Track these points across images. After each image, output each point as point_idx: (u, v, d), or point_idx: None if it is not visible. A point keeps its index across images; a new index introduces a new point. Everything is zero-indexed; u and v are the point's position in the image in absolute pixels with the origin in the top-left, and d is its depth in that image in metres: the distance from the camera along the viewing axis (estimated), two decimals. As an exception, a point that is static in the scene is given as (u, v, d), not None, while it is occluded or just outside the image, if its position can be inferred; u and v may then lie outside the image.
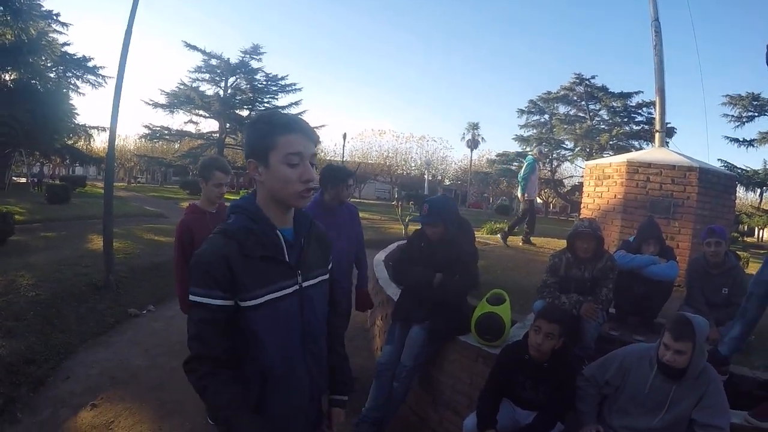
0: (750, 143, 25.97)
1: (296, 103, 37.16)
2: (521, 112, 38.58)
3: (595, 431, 2.43)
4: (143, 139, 38.99)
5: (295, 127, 1.28)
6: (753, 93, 25.62)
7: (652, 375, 2.34)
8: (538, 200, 53.74)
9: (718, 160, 23.27)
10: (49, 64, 22.34)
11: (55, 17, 24.14)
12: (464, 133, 50.63)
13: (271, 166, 1.26)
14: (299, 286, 1.38)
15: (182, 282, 3.05)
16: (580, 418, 2.53)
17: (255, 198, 1.35)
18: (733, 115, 26.44)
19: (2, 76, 19.15)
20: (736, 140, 26.12)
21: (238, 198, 1.40)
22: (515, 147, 39.74)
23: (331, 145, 44.31)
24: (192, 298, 1.25)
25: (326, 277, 1.51)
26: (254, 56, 36.27)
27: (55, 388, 3.67)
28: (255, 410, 1.29)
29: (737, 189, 22.44)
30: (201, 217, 3.13)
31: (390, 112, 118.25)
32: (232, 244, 1.26)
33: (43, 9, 22.57)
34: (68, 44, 26.07)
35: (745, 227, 27.23)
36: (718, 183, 5.63)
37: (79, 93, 26.77)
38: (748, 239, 27.86)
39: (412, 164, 45.28)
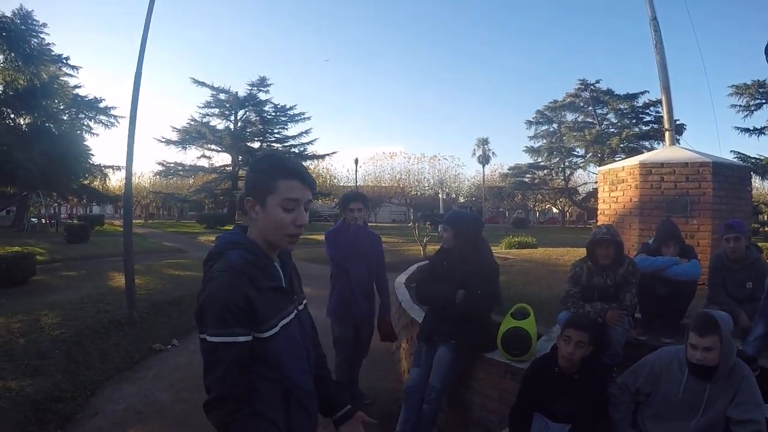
0: (761, 131, 25.71)
1: (306, 132, 37.90)
2: (529, 123, 38.86)
3: None
4: (158, 176, 39.81)
5: (295, 174, 1.34)
6: (759, 81, 25.41)
7: (684, 378, 2.31)
8: (554, 210, 53.46)
9: (731, 151, 23.06)
10: (61, 107, 22.97)
11: (65, 61, 24.96)
12: (475, 149, 51.08)
13: (268, 208, 1.32)
14: (297, 310, 1.46)
15: None
16: (615, 426, 2.49)
17: (245, 232, 1.40)
18: (741, 105, 26.23)
19: (17, 120, 19.73)
20: (747, 130, 25.88)
21: (224, 234, 1.44)
22: (526, 159, 39.94)
23: (343, 171, 44.80)
24: (213, 339, 1.24)
25: (305, 301, 1.59)
26: (261, 88, 37.06)
27: (83, 425, 3.69)
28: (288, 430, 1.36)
29: (753, 179, 22.23)
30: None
31: (400, 134, 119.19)
32: (244, 279, 1.28)
33: (54, 53, 23.35)
34: (79, 86, 26.91)
35: (765, 217, 26.72)
36: (733, 175, 5.56)
37: (93, 133, 27.42)
38: (769, 229, 27.30)
39: (426, 184, 45.51)
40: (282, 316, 1.37)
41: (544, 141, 38.39)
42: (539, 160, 38.75)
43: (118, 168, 28.10)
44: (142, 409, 3.97)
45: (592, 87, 35.51)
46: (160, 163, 36.85)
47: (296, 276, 1.55)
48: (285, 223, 1.33)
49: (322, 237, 4.14)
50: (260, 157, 1.41)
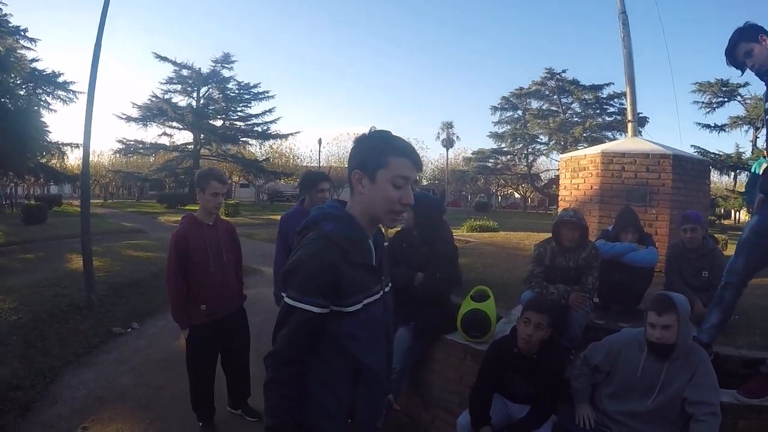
0: (721, 128, 26.73)
1: (270, 111, 37.45)
2: (494, 109, 39.27)
3: (589, 412, 2.48)
4: (117, 154, 38.47)
5: (407, 152, 1.35)
6: (722, 79, 26.33)
7: (642, 357, 2.39)
8: (516, 195, 54.43)
9: (692, 146, 23.84)
10: (18, 82, 21.76)
11: (23, 33, 23.59)
12: (439, 133, 50.88)
13: (378, 183, 1.33)
14: (383, 291, 1.48)
15: (175, 293, 3.05)
16: (575, 397, 2.58)
17: (344, 207, 1.41)
18: (703, 102, 27.26)
19: (-29, 95, 18.65)
20: (708, 126, 26.86)
21: (323, 205, 1.45)
22: (490, 144, 40.50)
23: (306, 151, 44.31)
24: (292, 302, 1.28)
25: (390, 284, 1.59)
26: (225, 65, 36.28)
27: (43, 413, 3.57)
28: (351, 410, 1.41)
29: (712, 173, 23.10)
30: (198, 228, 3.12)
31: (365, 116, 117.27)
32: (336, 250, 1.30)
33: (11, 25, 22.10)
34: (37, 60, 25.48)
35: (722, 210, 27.90)
36: (692, 168, 5.73)
37: (51, 110, 26.08)
38: (726, 222, 28.56)
39: None
40: (368, 294, 1.39)
41: (509, 127, 38.91)
42: (503, 145, 39.36)
43: (77, 146, 26.76)
44: (102, 394, 3.89)
45: (558, 76, 36.11)
46: (120, 141, 35.67)
47: (385, 257, 1.55)
48: (393, 199, 1.33)
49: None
50: (370, 132, 1.40)
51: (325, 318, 1.30)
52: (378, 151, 1.33)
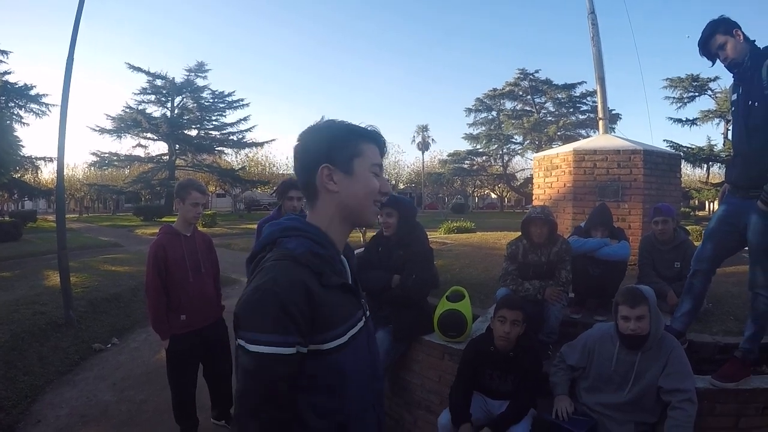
0: (693, 122, 27.36)
1: (245, 119, 37.30)
2: (469, 110, 39.71)
3: (567, 403, 2.54)
4: (92, 167, 37.83)
5: (377, 137, 1.16)
6: (692, 74, 27.04)
7: (616, 350, 2.46)
8: (493, 195, 54.83)
9: (664, 140, 24.40)
10: (-11, 95, 21.36)
11: (-7, 46, 23.17)
12: (414, 136, 51.07)
13: (356, 174, 1.10)
14: (365, 317, 1.20)
15: (156, 303, 3.04)
16: (553, 390, 2.64)
17: (304, 219, 1.16)
18: (674, 97, 27.96)
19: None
20: (680, 120, 27.49)
21: (282, 219, 1.17)
22: (466, 146, 40.79)
23: (283, 159, 43.98)
24: (258, 348, 0.93)
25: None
26: (199, 74, 36.02)
27: (27, 434, 3.53)
28: None
29: (684, 166, 23.63)
30: (176, 239, 3.11)
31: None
32: (307, 272, 1.00)
33: (-19, 38, 21.62)
34: (9, 73, 25.04)
35: (696, 202, 28.55)
36: (663, 162, 5.86)
37: (23, 123, 25.62)
38: (700, 213, 29.18)
39: None
40: (351, 323, 1.10)
41: (483, 128, 39.34)
42: (478, 146, 39.71)
43: (51, 160, 26.34)
44: (85, 412, 3.85)
45: (531, 77, 36.67)
46: (94, 154, 35.09)
47: (356, 272, 1.28)
48: (376, 189, 1.13)
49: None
50: (326, 121, 1.15)
51: (302, 362, 0.99)
52: (347, 139, 1.11)
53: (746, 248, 2.68)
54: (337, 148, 1.10)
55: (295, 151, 1.15)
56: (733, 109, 2.69)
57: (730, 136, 3.06)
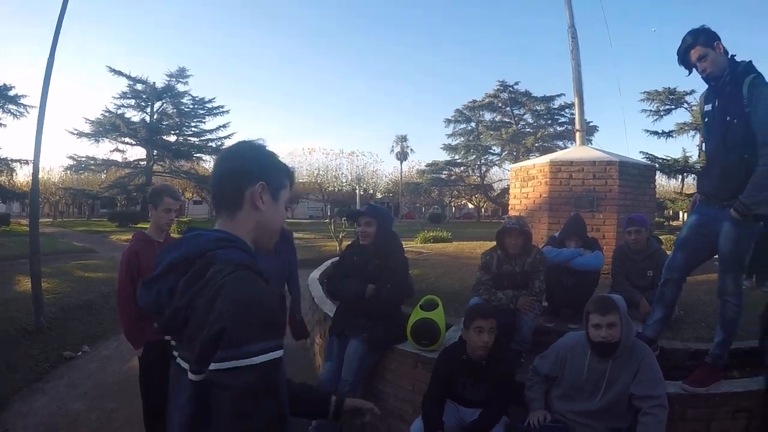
0: (669, 134, 27.94)
1: (224, 126, 36.77)
2: (448, 121, 40.05)
3: (542, 415, 2.55)
4: (68, 171, 37.01)
5: (292, 176, 1.26)
6: (669, 88, 27.68)
7: (587, 358, 2.49)
8: (470, 205, 55.19)
9: (640, 152, 24.75)
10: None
11: (-30, 46, 22.60)
12: (393, 146, 50.64)
13: (279, 203, 1.18)
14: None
15: (128, 311, 2.97)
16: (529, 405, 2.66)
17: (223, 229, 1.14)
18: (651, 110, 28.54)
19: None
20: (656, 133, 28.07)
21: (205, 230, 1.14)
22: (444, 156, 41.02)
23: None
24: (259, 359, 0.90)
25: None
26: (180, 79, 35.53)
27: (-6, 444, 3.46)
28: None
29: (659, 177, 24.12)
30: (149, 245, 3.06)
31: (319, 130, 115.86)
32: (263, 280, 1.02)
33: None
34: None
35: (671, 212, 29.14)
36: (638, 174, 6.01)
37: (0, 124, 25.07)
38: (674, 223, 29.79)
39: (343, 180, 44.65)
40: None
41: (462, 139, 39.67)
42: (456, 157, 39.97)
43: (26, 162, 25.54)
44: (55, 421, 3.77)
45: (510, 88, 37.14)
46: (71, 157, 34.29)
47: None
48: (283, 222, 1.23)
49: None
50: (262, 142, 1.21)
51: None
52: (280, 170, 1.19)
53: (716, 257, 2.74)
54: (274, 173, 1.17)
55: (229, 153, 1.18)
56: (706, 119, 2.71)
57: (704, 147, 3.11)
